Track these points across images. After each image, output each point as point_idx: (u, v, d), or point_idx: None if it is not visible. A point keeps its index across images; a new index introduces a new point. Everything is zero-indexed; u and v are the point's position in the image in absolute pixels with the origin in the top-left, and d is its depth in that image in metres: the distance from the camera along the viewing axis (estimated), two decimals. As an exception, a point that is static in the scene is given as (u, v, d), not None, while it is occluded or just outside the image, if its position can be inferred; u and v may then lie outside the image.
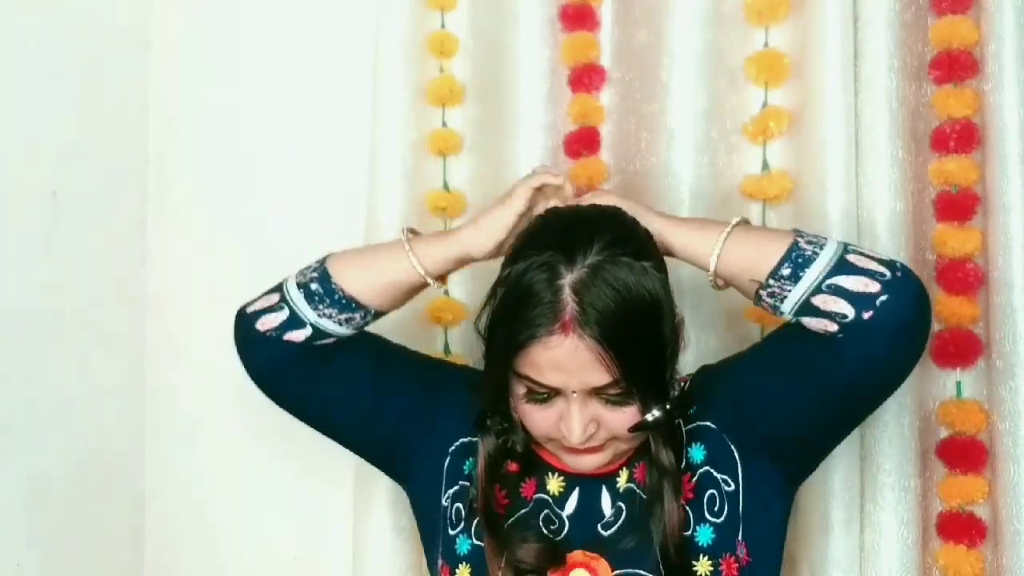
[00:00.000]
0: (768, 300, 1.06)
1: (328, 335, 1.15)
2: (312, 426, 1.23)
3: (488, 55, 1.50)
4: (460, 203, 1.51)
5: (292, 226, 1.62)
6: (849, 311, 1.01)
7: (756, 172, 1.42)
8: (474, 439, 1.16)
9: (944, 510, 1.37)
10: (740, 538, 1.09)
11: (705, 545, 1.09)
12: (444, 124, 1.52)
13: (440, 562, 1.15)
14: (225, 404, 1.62)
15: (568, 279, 1.02)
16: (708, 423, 1.12)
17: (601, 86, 1.48)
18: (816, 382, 1.06)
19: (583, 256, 1.02)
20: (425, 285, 1.17)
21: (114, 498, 1.65)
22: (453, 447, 1.18)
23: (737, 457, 1.11)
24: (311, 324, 1.14)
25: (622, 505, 1.12)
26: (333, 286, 1.14)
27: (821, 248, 1.05)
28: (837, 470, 1.34)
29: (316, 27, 1.62)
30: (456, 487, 1.17)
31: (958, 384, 1.37)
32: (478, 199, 1.51)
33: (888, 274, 1.03)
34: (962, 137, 1.36)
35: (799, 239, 1.06)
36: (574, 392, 1.03)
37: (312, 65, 1.62)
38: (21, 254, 1.45)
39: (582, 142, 1.46)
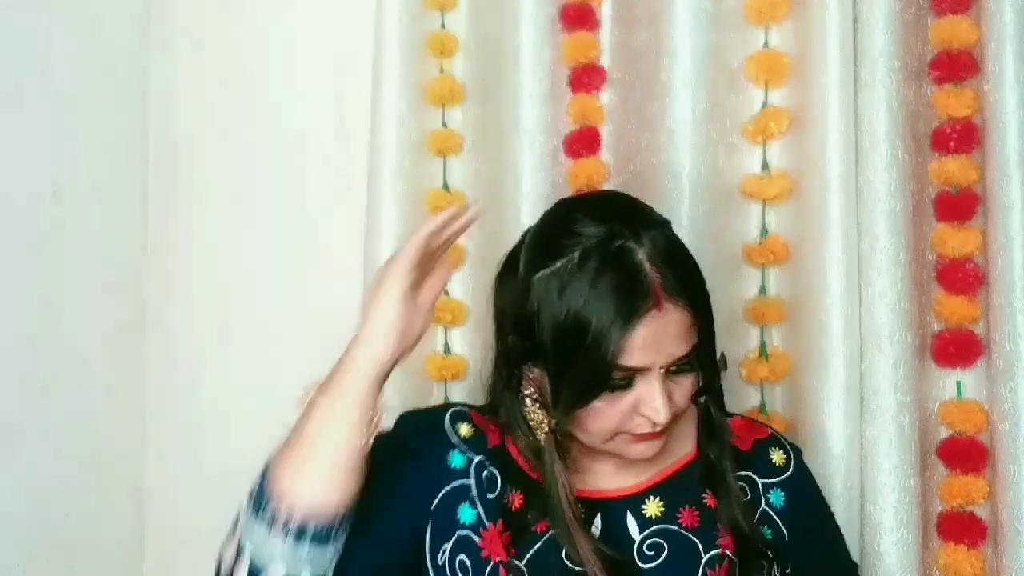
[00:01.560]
0: None
1: None
2: None
3: (488, 55, 1.50)
4: (460, 203, 1.50)
5: (292, 226, 1.62)
6: None
7: (756, 172, 1.42)
8: (456, 483, 1.07)
9: (944, 510, 1.37)
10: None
11: None
12: (444, 124, 1.52)
13: None
14: (225, 403, 1.62)
15: (642, 253, 0.99)
16: (751, 474, 1.12)
17: (601, 86, 1.48)
18: None
19: (644, 228, 1.00)
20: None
21: (114, 498, 1.65)
22: (433, 505, 1.07)
23: (761, 495, 1.11)
24: None
25: (663, 542, 1.06)
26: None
27: None
28: (837, 470, 1.34)
29: (316, 27, 1.62)
30: (451, 540, 1.06)
31: (958, 384, 1.37)
32: (478, 199, 1.51)
33: None
34: (962, 137, 1.36)
35: None
36: (661, 368, 0.99)
37: (312, 65, 1.62)
38: (21, 254, 1.45)
39: (582, 142, 1.46)
